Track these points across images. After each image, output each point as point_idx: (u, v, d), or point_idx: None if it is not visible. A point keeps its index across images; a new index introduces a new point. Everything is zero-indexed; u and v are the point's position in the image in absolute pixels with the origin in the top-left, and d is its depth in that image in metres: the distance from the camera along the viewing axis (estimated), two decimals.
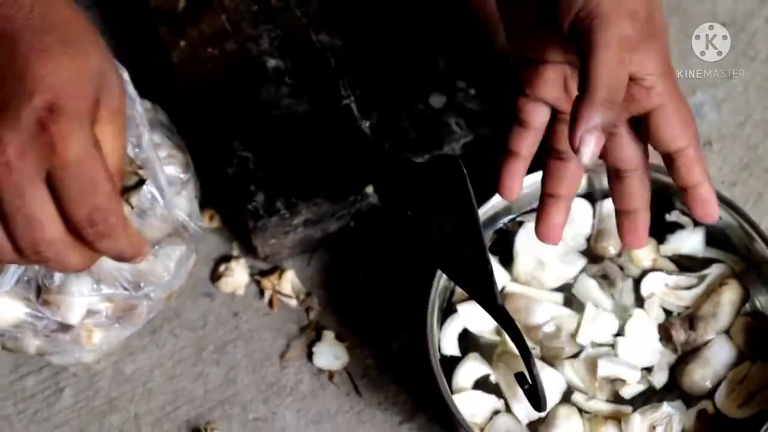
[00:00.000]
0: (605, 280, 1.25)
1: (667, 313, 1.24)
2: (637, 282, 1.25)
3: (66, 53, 0.96)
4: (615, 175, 1.10)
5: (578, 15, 1.03)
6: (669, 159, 1.07)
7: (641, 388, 1.21)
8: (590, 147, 1.03)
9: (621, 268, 1.26)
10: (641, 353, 1.22)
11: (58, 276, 1.18)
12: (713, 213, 1.08)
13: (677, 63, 1.39)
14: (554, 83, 1.13)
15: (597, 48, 1.02)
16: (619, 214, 1.11)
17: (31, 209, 0.95)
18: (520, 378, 1.12)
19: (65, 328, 1.21)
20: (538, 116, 1.15)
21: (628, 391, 1.20)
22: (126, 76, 1.20)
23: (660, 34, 1.09)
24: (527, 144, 1.15)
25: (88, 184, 0.95)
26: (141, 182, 1.18)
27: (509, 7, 1.14)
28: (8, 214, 0.95)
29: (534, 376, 1.09)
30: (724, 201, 1.21)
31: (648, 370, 1.21)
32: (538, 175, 1.21)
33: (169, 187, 1.21)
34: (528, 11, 1.12)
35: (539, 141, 1.15)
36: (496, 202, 1.23)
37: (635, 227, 1.12)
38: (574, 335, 1.22)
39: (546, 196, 1.15)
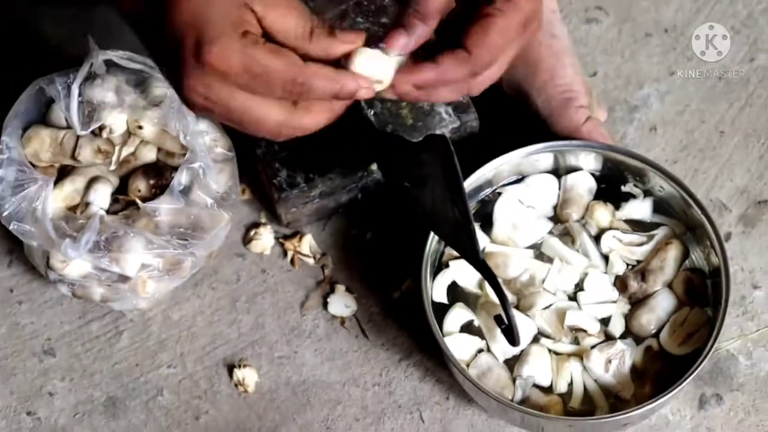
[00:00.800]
0: (567, 237, 1.26)
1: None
2: (597, 239, 1.25)
3: None
4: None
5: None
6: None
7: (599, 340, 1.21)
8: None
9: (584, 226, 1.26)
10: (599, 306, 1.23)
11: (117, 236, 1.20)
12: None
13: (628, 62, 1.40)
14: None
15: None
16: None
17: (253, 113, 0.98)
18: (498, 319, 1.14)
19: (124, 279, 1.23)
20: None
21: (588, 342, 1.21)
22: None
23: None
24: None
25: (267, 71, 0.95)
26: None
27: None
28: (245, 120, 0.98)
29: (509, 317, 1.11)
30: (667, 175, 1.23)
31: (605, 321, 1.22)
32: (515, 153, 1.23)
33: (215, 164, 1.23)
34: None
35: None
36: (479, 176, 1.24)
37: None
38: (543, 282, 1.23)
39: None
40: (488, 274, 1.11)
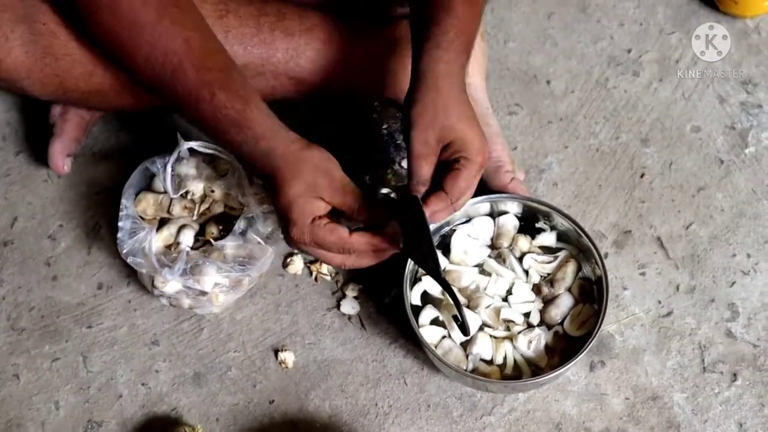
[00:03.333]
0: (500, 258, 1.25)
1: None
2: (520, 260, 1.25)
3: (300, 195, 1.07)
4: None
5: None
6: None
7: (523, 328, 1.21)
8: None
9: (511, 251, 1.25)
10: (523, 304, 1.22)
11: (198, 264, 1.19)
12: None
13: (537, 140, 1.39)
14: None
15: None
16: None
17: (324, 259, 1.10)
18: (455, 318, 1.13)
19: (203, 293, 1.23)
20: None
21: (516, 329, 1.20)
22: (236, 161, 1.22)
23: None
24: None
25: (324, 243, 1.08)
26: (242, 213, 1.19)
27: None
28: (321, 260, 1.11)
29: (462, 317, 1.11)
30: (565, 216, 1.23)
31: (527, 314, 1.22)
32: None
33: (262, 214, 1.23)
34: None
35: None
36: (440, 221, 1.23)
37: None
38: (485, 289, 1.23)
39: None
40: (447, 287, 1.11)
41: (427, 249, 1.08)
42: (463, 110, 1.10)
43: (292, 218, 1.07)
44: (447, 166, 1.10)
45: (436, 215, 1.10)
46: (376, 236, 1.09)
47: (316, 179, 1.07)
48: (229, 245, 1.22)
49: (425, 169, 1.09)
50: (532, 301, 1.22)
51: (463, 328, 1.12)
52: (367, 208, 1.09)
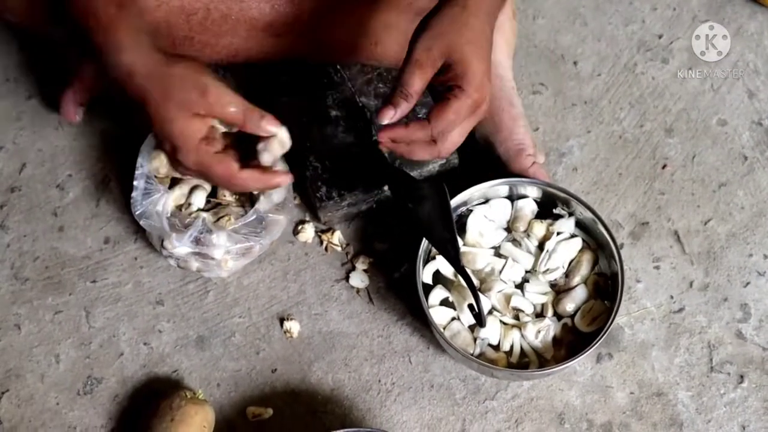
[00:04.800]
0: (515, 242, 1.23)
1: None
2: (539, 247, 1.23)
3: (175, 118, 0.98)
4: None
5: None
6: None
7: (532, 317, 1.19)
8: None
9: (528, 236, 1.23)
10: (537, 294, 1.20)
11: (210, 232, 1.17)
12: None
13: (559, 122, 1.37)
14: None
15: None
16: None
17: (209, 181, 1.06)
18: (471, 307, 1.12)
19: (213, 258, 1.21)
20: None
21: (525, 318, 1.19)
22: None
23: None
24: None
25: (210, 172, 1.02)
26: None
27: None
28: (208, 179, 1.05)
29: (479, 307, 1.09)
30: (583, 204, 1.20)
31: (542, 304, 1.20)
32: (483, 185, 1.20)
33: None
34: None
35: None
36: (458, 199, 1.21)
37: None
38: (500, 273, 1.21)
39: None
40: (464, 275, 1.09)
41: (447, 234, 1.07)
42: (479, 40, 1.01)
43: (177, 145, 0.98)
44: (437, 96, 1.03)
45: (413, 147, 1.03)
46: (266, 173, 1.01)
47: (186, 95, 0.96)
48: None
49: (417, 81, 0.99)
50: (547, 292, 1.20)
51: (479, 319, 1.11)
52: (258, 118, 0.99)
